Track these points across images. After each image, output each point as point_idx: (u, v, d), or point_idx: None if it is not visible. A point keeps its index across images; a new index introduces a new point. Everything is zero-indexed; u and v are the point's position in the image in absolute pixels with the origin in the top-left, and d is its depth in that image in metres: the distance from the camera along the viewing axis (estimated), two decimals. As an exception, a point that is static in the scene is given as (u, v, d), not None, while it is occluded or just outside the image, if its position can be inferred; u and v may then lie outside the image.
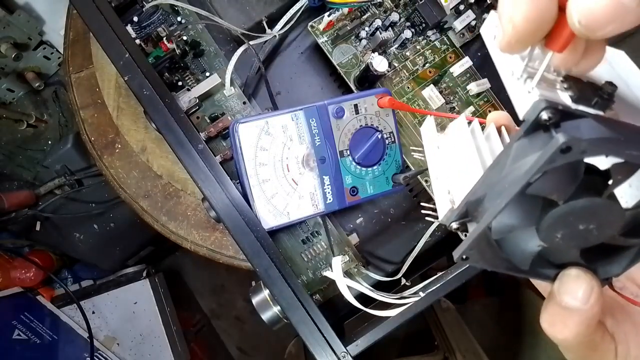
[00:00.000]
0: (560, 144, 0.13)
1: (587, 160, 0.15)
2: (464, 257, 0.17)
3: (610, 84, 0.15)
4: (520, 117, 0.15)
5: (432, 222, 0.41)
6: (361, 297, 0.33)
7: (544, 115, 0.14)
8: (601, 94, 0.15)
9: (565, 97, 0.15)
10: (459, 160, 0.22)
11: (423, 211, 0.25)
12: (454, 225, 0.19)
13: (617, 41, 0.45)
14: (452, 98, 0.42)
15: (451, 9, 0.42)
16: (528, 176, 0.14)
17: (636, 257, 0.17)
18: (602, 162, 0.16)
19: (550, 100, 0.14)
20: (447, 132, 0.24)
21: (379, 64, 0.37)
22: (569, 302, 0.16)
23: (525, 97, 0.15)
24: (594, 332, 0.17)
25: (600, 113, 0.15)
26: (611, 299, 0.19)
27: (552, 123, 0.14)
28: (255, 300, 0.35)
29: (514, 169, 0.15)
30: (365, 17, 0.41)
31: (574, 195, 0.15)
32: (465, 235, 0.18)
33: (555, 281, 0.17)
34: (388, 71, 0.40)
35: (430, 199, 0.40)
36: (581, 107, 0.15)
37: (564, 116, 0.14)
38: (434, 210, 0.23)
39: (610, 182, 0.15)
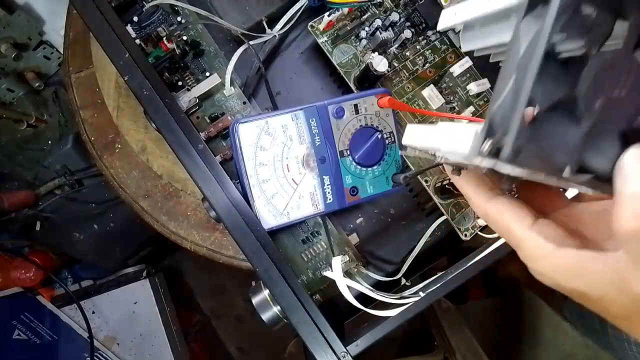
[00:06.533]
0: None
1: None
2: (515, 149, 0.15)
3: None
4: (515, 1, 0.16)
5: (432, 223, 0.41)
6: (361, 297, 0.33)
7: None
8: None
9: None
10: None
11: (444, 163, 0.22)
12: (486, 146, 0.15)
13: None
14: (452, 98, 0.42)
15: (451, 9, 0.42)
16: (550, 21, 0.14)
17: None
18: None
19: None
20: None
21: (379, 64, 0.37)
22: None
23: None
24: None
25: None
26: None
27: None
28: (255, 300, 0.35)
29: (530, 40, 0.15)
30: (365, 17, 0.41)
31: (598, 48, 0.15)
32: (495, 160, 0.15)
33: (616, 177, 0.15)
34: (388, 71, 0.40)
35: (430, 199, 0.40)
36: None
37: None
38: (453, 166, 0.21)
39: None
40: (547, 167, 0.16)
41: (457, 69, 0.42)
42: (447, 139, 0.18)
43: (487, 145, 0.15)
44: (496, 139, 0.15)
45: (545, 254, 0.17)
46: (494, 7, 0.18)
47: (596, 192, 0.16)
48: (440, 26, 0.21)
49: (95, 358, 0.74)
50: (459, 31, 0.42)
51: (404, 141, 0.23)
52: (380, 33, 0.39)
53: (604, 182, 0.16)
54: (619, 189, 0.15)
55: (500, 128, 0.16)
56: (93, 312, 0.79)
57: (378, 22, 0.40)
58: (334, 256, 0.36)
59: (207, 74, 0.40)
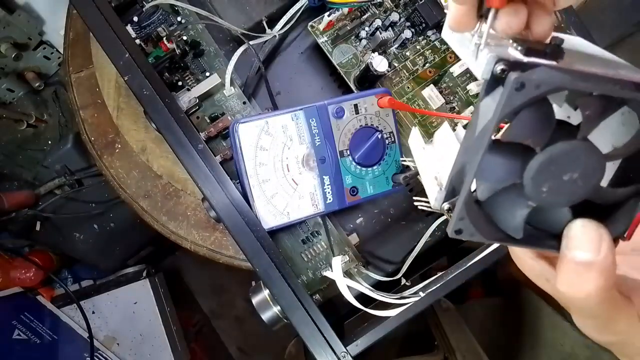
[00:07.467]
0: (514, 81, 0.14)
1: (558, 116, 0.16)
2: (457, 229, 0.17)
3: (556, 39, 0.16)
4: (479, 78, 0.16)
5: (432, 223, 0.41)
6: (361, 297, 0.33)
7: (498, 69, 0.15)
8: (550, 47, 0.16)
9: (516, 53, 0.16)
10: (443, 152, 0.22)
11: (416, 202, 0.26)
12: (445, 206, 0.18)
13: (616, 42, 0.45)
14: (452, 98, 0.42)
15: (451, 9, 0.42)
16: (494, 121, 0.15)
17: (633, 209, 0.17)
18: (574, 117, 0.17)
19: (502, 56, 0.15)
20: (433, 138, 0.25)
21: (379, 64, 0.37)
22: (581, 256, 0.16)
23: (482, 63, 0.16)
24: (614, 287, 0.16)
25: (553, 63, 0.15)
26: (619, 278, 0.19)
27: (507, 75, 0.15)
28: (255, 300, 0.35)
29: (482, 127, 0.16)
30: (365, 17, 0.41)
31: (550, 141, 0.15)
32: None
33: (562, 239, 0.17)
34: (388, 71, 0.40)
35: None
36: (533, 59, 0.15)
37: (517, 67, 0.15)
38: (427, 202, 0.24)
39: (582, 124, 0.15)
40: (498, 236, 0.17)
41: (457, 69, 0.42)
42: (427, 184, 0.23)
43: (446, 205, 0.18)
44: (452, 202, 0.18)
45: (526, 259, 0.19)
46: (467, 62, 0.19)
47: (546, 250, 0.18)
48: (443, 35, 0.22)
49: (95, 358, 0.74)
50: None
51: (409, 141, 0.26)
52: (380, 33, 0.39)
53: (554, 239, 0.17)
54: (563, 250, 0.16)
55: (457, 195, 0.17)
56: (93, 312, 0.79)
57: (378, 22, 0.40)
58: (334, 256, 0.36)
59: (207, 74, 0.40)
